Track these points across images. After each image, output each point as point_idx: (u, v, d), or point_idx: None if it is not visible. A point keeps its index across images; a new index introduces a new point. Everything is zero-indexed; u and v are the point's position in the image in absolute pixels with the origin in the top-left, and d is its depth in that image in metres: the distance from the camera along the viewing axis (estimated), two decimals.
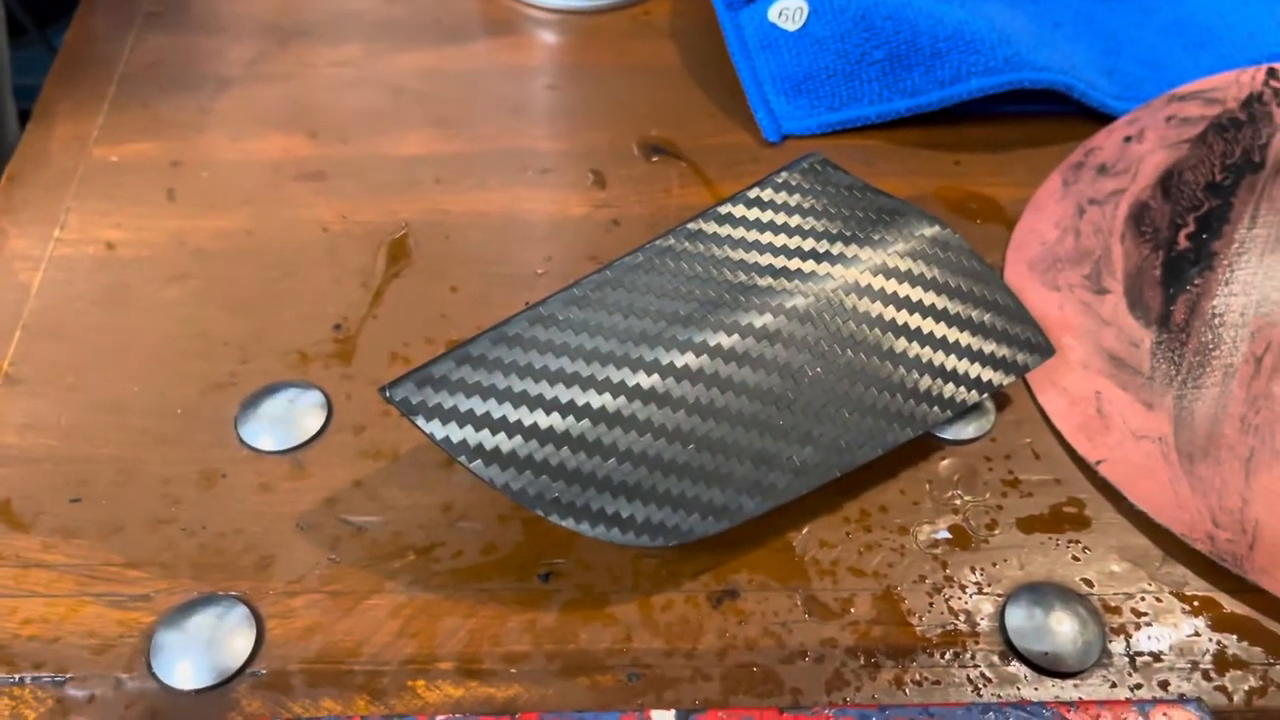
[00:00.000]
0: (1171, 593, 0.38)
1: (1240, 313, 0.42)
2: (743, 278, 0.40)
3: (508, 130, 0.53)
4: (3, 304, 0.45)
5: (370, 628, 0.37)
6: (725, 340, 0.38)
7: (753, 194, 0.43)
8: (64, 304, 0.45)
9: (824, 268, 0.41)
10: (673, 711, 0.33)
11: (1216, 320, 0.43)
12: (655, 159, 0.52)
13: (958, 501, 0.40)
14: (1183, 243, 0.45)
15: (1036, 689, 0.36)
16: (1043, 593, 0.38)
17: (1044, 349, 0.42)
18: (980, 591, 0.38)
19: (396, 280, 0.47)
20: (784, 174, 0.44)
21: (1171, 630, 0.37)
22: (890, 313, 0.40)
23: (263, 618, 0.37)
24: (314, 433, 0.41)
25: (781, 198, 0.43)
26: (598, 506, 0.36)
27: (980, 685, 0.36)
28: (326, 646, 0.36)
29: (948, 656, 0.37)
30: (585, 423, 0.36)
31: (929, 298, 0.41)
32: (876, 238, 0.42)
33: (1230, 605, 0.38)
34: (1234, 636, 0.37)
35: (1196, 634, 0.37)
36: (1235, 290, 0.43)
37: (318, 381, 0.43)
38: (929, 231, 0.42)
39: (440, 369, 0.37)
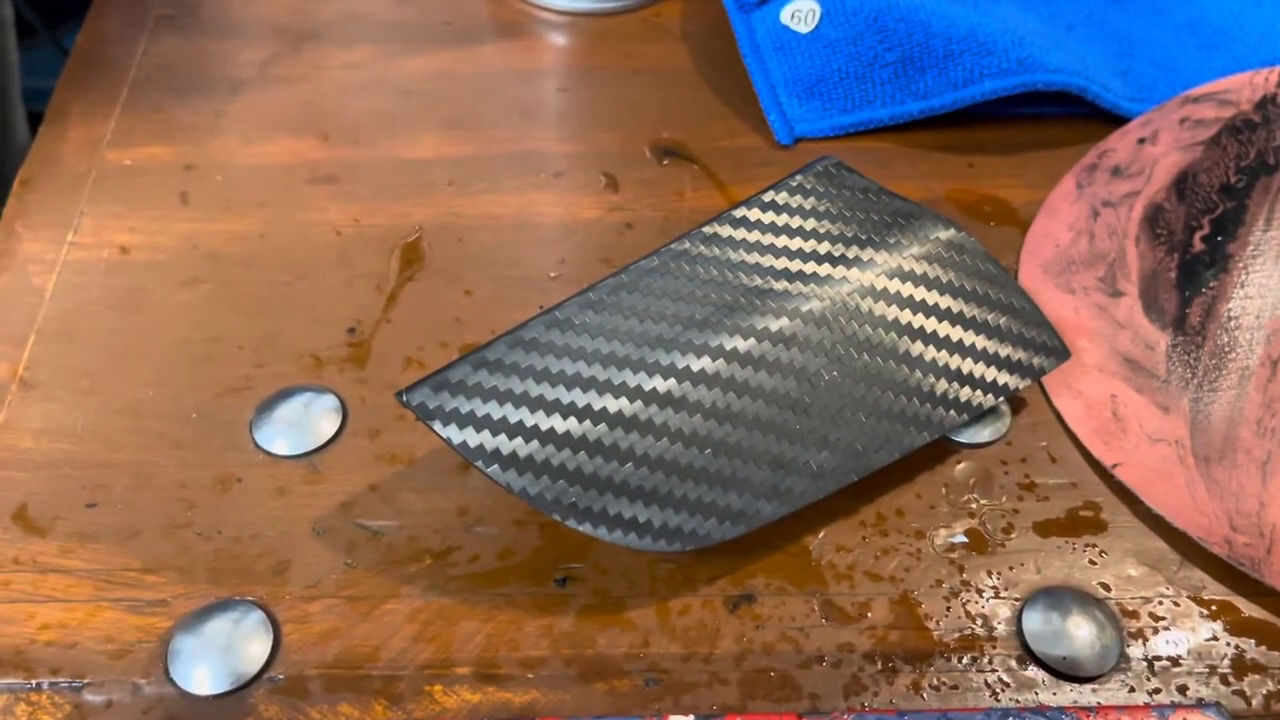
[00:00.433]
0: (1189, 597, 0.38)
1: (1256, 315, 0.42)
2: (758, 281, 0.40)
3: (519, 133, 0.53)
4: (17, 308, 0.45)
5: (387, 633, 0.37)
6: (741, 344, 0.38)
7: (767, 197, 0.43)
8: (78, 308, 0.45)
9: (839, 271, 0.40)
10: (690, 717, 0.33)
11: (1232, 323, 0.42)
12: (667, 161, 0.52)
13: (974, 505, 0.40)
14: (1197, 245, 0.45)
15: (1055, 694, 0.36)
16: (1060, 597, 0.38)
17: (1059, 352, 0.42)
18: (997, 596, 0.38)
19: (410, 284, 0.47)
20: (798, 177, 0.44)
21: (1189, 634, 0.37)
22: (905, 316, 0.40)
23: (279, 623, 0.37)
24: (329, 437, 0.41)
25: (796, 201, 0.43)
26: (614, 511, 0.36)
27: (998, 690, 0.36)
28: (343, 651, 0.36)
29: (965, 661, 0.37)
30: (601, 427, 0.36)
31: (944, 301, 0.41)
32: (891, 241, 0.42)
33: (1248, 609, 0.38)
34: (1252, 640, 0.37)
35: (1214, 638, 0.37)
36: (1251, 293, 0.43)
37: (332, 385, 0.43)
38: (944, 234, 0.42)
39: (457, 373, 0.37)
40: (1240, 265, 0.44)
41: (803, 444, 0.38)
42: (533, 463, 0.36)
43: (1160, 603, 0.38)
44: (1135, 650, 0.37)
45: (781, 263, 0.41)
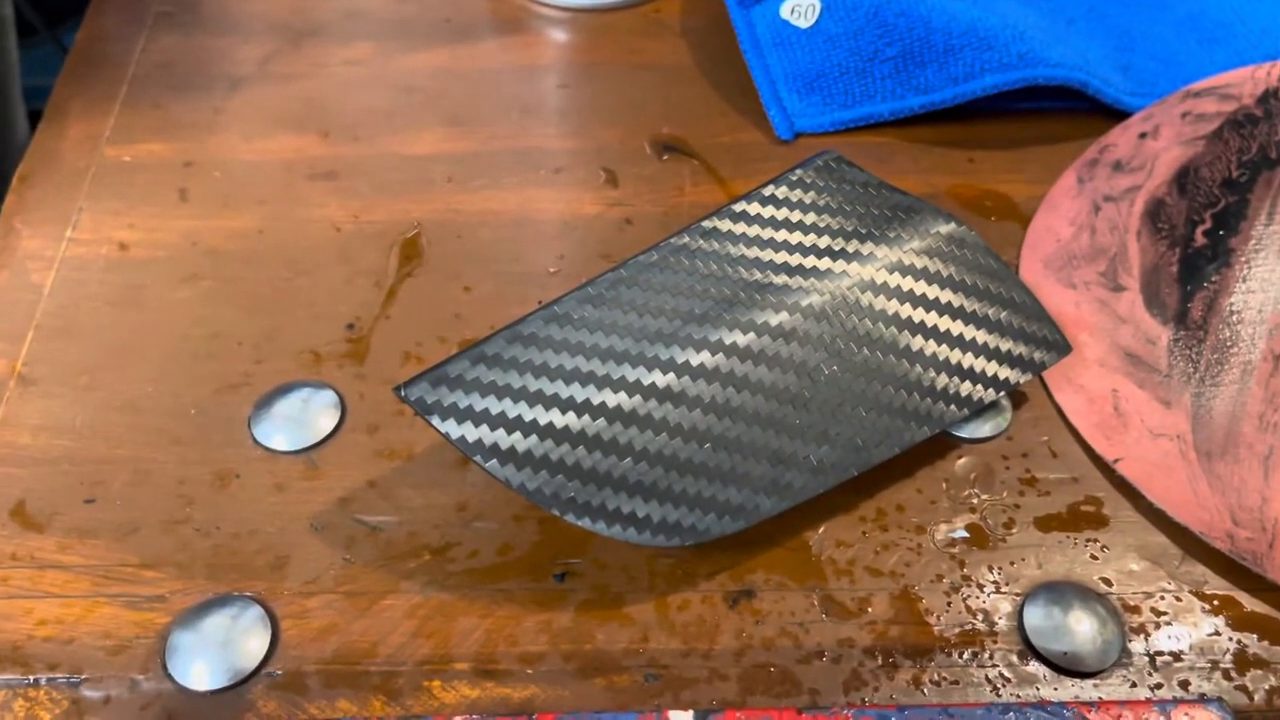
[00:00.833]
0: (1191, 591, 0.38)
1: (1258, 310, 0.42)
2: (758, 275, 0.40)
3: (519, 129, 0.53)
4: (16, 304, 0.45)
5: (386, 628, 0.37)
6: (741, 338, 0.38)
7: (767, 192, 0.43)
8: (77, 304, 0.45)
9: (839, 265, 0.40)
10: (690, 712, 0.33)
11: (1234, 317, 0.42)
12: (667, 157, 0.52)
13: (975, 500, 0.40)
14: (1199, 239, 0.45)
15: (1056, 689, 0.36)
16: (1061, 592, 0.37)
17: (1061, 346, 0.42)
18: (998, 591, 0.38)
19: (409, 280, 0.47)
20: (798, 171, 0.44)
21: (1191, 629, 0.37)
22: (906, 310, 0.40)
23: (278, 618, 0.37)
24: (328, 432, 0.41)
25: (796, 195, 0.43)
26: (613, 506, 0.36)
27: (999, 685, 0.36)
28: (342, 647, 0.36)
29: (966, 656, 0.36)
30: (601, 422, 0.36)
31: (945, 295, 0.41)
32: (892, 235, 0.41)
33: (1250, 604, 0.38)
34: (1254, 635, 0.37)
35: (1217, 633, 0.37)
36: (1253, 287, 0.43)
37: (331, 381, 0.43)
38: (944, 229, 0.42)
39: (456, 368, 0.37)
40: (1242, 259, 0.44)
41: (802, 439, 0.37)
42: (531, 458, 0.36)
43: (1162, 598, 0.38)
44: (1137, 645, 0.37)
45: (781, 257, 0.41)
